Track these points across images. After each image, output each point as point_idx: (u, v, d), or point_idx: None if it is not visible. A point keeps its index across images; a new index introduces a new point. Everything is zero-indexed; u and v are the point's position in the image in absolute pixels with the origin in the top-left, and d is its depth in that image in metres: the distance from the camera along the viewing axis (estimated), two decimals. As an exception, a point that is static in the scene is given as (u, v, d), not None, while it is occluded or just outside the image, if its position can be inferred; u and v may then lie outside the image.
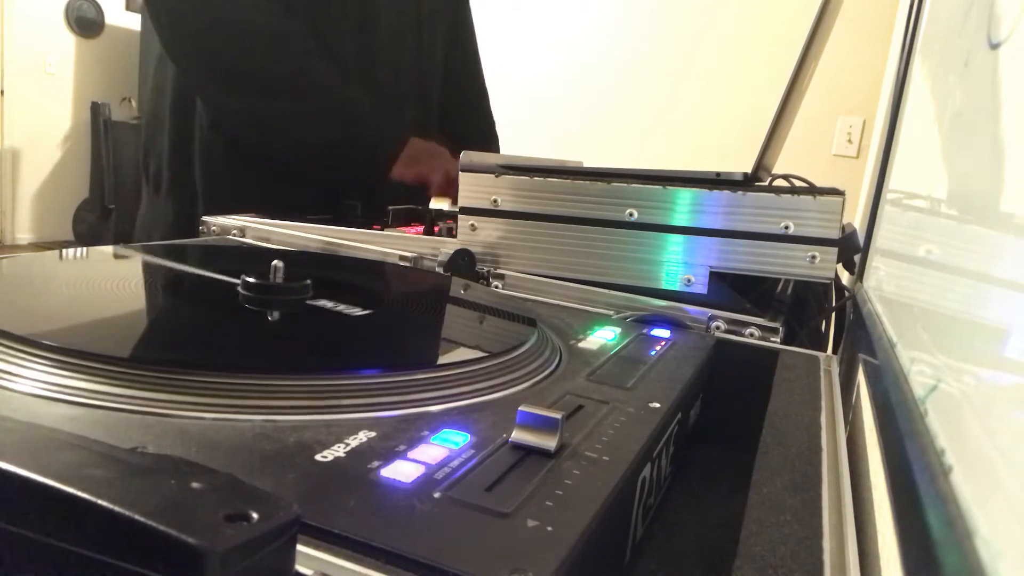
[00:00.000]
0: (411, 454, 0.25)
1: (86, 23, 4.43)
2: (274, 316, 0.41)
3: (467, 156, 0.63)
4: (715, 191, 0.56)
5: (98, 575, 0.15)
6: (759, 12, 2.53)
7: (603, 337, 0.46)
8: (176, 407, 0.27)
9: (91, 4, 4.44)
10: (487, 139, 1.21)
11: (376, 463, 0.24)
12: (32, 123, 4.28)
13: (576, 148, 2.44)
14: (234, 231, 0.75)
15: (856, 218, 1.76)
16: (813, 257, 0.54)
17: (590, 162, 0.78)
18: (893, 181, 0.78)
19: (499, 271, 0.62)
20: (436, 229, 0.73)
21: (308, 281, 0.43)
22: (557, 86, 2.91)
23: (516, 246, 0.62)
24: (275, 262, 0.42)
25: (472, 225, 0.64)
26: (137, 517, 0.15)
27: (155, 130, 0.98)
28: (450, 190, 0.83)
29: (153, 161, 0.98)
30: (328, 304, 0.44)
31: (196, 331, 0.38)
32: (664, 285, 0.58)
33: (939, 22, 0.66)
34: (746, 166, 0.60)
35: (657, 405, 0.33)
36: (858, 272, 0.81)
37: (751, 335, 0.53)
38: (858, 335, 0.62)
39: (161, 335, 0.37)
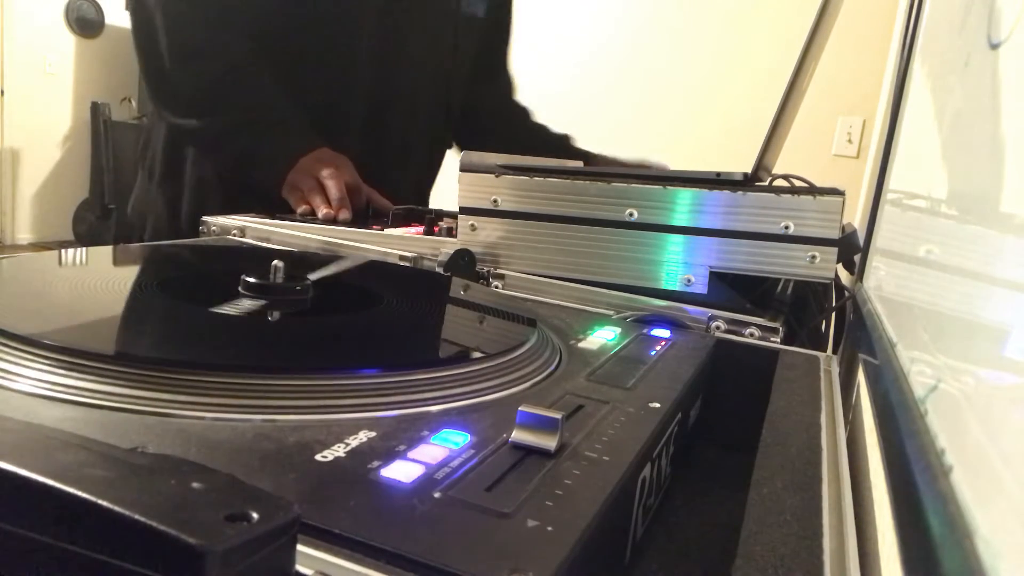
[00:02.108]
0: (411, 454, 0.25)
1: (86, 23, 4.43)
2: (274, 316, 0.41)
3: (467, 156, 0.63)
4: (715, 191, 0.56)
5: (98, 575, 0.15)
6: (759, 12, 2.53)
7: (603, 337, 0.46)
8: (176, 407, 0.27)
9: (91, 4, 4.44)
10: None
11: (376, 463, 0.24)
12: (32, 123, 4.28)
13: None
14: (234, 231, 0.75)
15: (856, 218, 1.76)
16: (813, 257, 0.54)
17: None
18: (893, 181, 0.78)
19: (499, 271, 0.62)
20: (436, 229, 0.73)
21: (308, 281, 0.43)
22: (556, 86, 2.91)
23: (516, 246, 0.62)
24: (275, 262, 0.42)
25: (472, 225, 0.64)
26: (137, 517, 0.15)
27: (154, 124, 0.99)
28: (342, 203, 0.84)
29: (150, 152, 1.01)
30: (328, 304, 0.44)
31: (196, 331, 0.38)
32: (664, 285, 0.58)
33: (939, 22, 0.66)
34: (746, 166, 0.60)
35: (657, 405, 0.33)
36: (858, 272, 0.81)
37: (751, 335, 0.53)
38: (858, 335, 0.62)
39: (161, 335, 0.37)
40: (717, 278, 0.57)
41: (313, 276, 0.47)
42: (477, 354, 0.36)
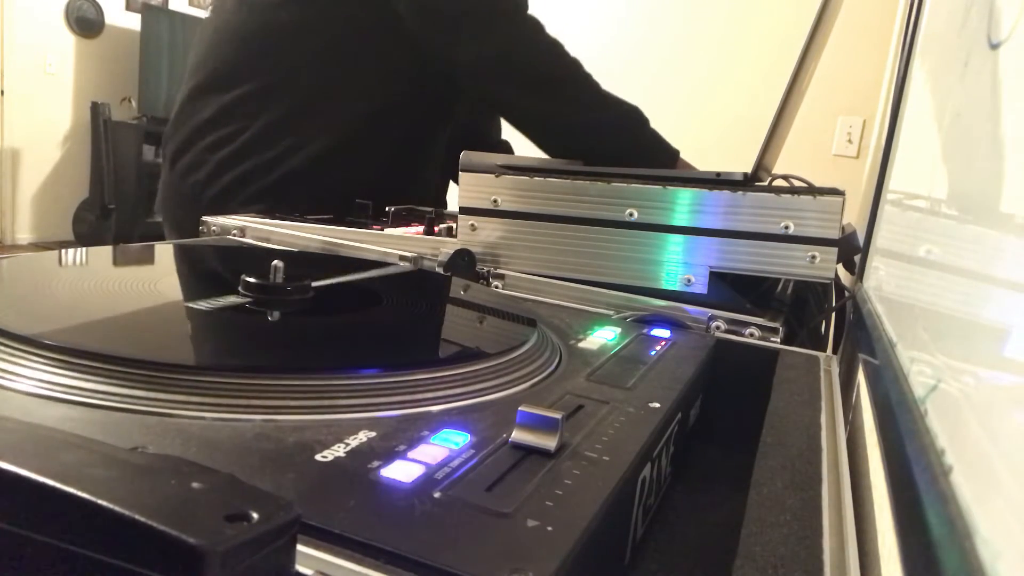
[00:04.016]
0: (411, 454, 0.25)
1: (86, 23, 4.42)
2: (274, 316, 0.41)
3: (467, 156, 0.63)
4: (715, 191, 0.56)
5: (98, 575, 0.15)
6: (759, 12, 2.53)
7: (603, 337, 0.46)
8: (176, 407, 0.27)
9: (91, 4, 4.44)
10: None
11: (376, 463, 0.24)
12: (32, 123, 4.28)
13: (576, 148, 2.43)
14: (234, 231, 0.75)
15: (856, 218, 1.76)
16: (813, 257, 0.54)
17: (590, 162, 0.78)
18: (893, 181, 0.78)
19: (499, 271, 0.62)
20: (436, 229, 0.73)
21: (308, 281, 0.43)
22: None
23: (516, 246, 0.62)
24: (275, 262, 0.42)
25: (472, 225, 0.64)
26: (137, 517, 0.15)
27: (185, 118, 0.97)
28: None
29: (174, 141, 0.98)
30: (328, 304, 0.44)
31: (196, 331, 0.38)
32: (664, 285, 0.58)
33: (938, 22, 0.66)
34: (746, 166, 0.60)
35: (657, 405, 0.33)
36: (858, 272, 0.81)
37: (751, 335, 0.53)
38: (858, 335, 0.62)
39: (161, 335, 0.37)
40: (717, 278, 0.57)
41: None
42: (477, 354, 0.36)
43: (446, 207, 1.19)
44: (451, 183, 1.16)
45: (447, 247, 0.65)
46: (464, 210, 0.64)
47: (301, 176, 0.92)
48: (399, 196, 0.95)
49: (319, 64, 0.91)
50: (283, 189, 0.91)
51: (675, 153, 0.89)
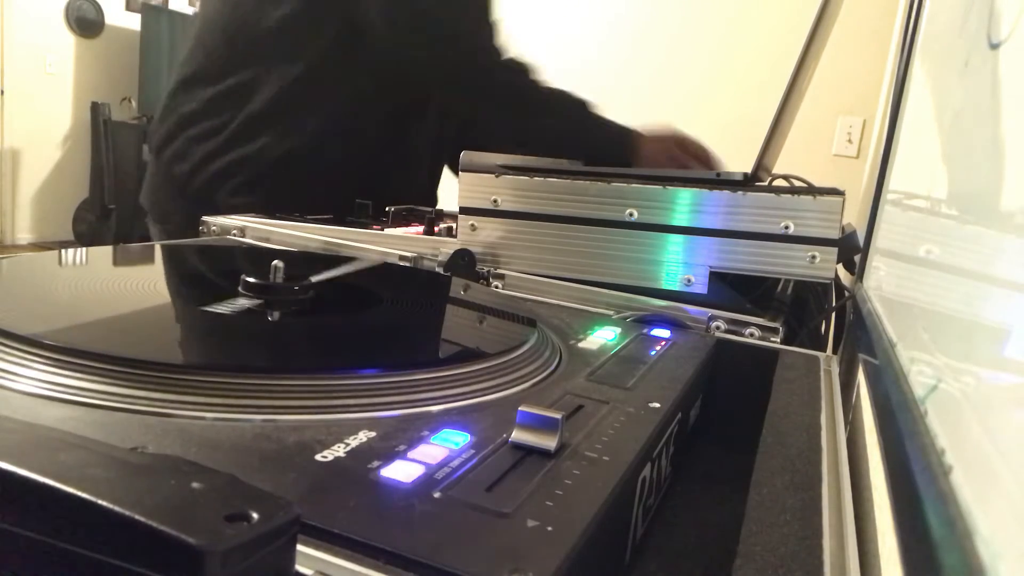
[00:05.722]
0: (411, 454, 0.25)
1: (86, 23, 4.42)
2: (274, 316, 0.41)
3: (467, 156, 0.63)
4: (715, 191, 0.56)
5: (98, 575, 0.15)
6: (759, 12, 2.53)
7: (603, 337, 0.46)
8: (176, 407, 0.27)
9: (91, 4, 4.44)
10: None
11: (376, 463, 0.24)
12: (32, 123, 4.28)
13: (576, 148, 2.43)
14: (234, 231, 0.75)
15: (856, 218, 1.76)
16: (813, 257, 0.54)
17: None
18: (893, 181, 0.78)
19: (499, 271, 0.62)
20: (436, 229, 0.73)
21: (308, 281, 0.43)
22: (555, 85, 2.91)
23: (516, 246, 0.62)
24: (275, 262, 0.42)
25: (472, 225, 0.64)
26: (137, 517, 0.15)
27: (171, 109, 0.98)
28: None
29: (160, 131, 0.99)
30: (328, 304, 0.44)
31: (196, 331, 0.38)
32: (664, 285, 0.58)
33: (939, 22, 0.66)
34: (746, 166, 0.60)
35: (657, 405, 0.33)
36: (858, 272, 0.81)
37: (751, 335, 0.53)
38: (858, 335, 0.62)
39: (161, 335, 0.37)
40: (717, 278, 0.57)
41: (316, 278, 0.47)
42: (477, 354, 0.36)
43: (436, 200, 1.19)
44: (448, 172, 1.16)
45: (447, 247, 0.65)
46: (464, 210, 0.64)
47: (283, 168, 0.93)
48: (385, 187, 0.95)
49: (296, 62, 0.92)
50: (266, 181, 0.92)
51: (628, 130, 0.94)
